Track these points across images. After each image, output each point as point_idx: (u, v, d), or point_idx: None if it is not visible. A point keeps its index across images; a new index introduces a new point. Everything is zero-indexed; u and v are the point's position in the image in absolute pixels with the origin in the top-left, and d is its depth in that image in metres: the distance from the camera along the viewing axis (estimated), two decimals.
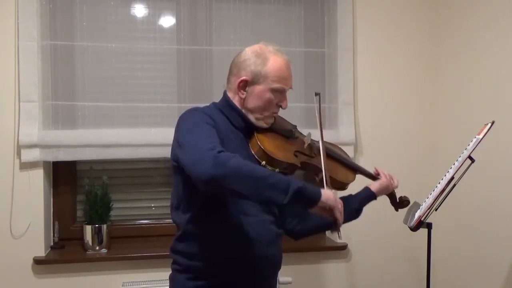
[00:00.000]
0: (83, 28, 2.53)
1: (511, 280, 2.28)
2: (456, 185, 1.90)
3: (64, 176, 2.63)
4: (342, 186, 1.84)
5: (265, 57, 1.65)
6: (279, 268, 1.77)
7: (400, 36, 2.79)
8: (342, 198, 1.84)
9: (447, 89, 2.75)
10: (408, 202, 1.97)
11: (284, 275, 2.52)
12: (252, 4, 2.67)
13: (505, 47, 2.32)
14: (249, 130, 1.69)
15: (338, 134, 2.69)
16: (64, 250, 2.56)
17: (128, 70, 2.58)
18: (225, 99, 1.71)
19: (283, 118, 1.82)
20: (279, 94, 1.67)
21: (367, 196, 1.86)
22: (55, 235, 2.56)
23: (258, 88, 1.65)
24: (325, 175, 1.62)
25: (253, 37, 2.51)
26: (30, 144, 2.41)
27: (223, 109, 1.70)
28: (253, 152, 1.65)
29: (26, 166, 2.43)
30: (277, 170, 1.64)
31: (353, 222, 2.71)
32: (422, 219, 1.91)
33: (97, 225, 2.53)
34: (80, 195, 2.66)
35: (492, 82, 2.41)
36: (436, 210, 1.92)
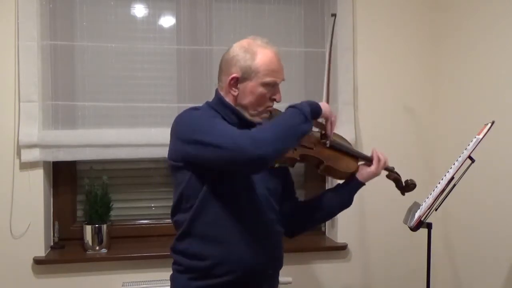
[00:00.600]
0: (83, 28, 2.53)
1: (511, 280, 2.28)
2: (456, 185, 1.90)
3: (64, 176, 2.63)
4: (345, 176, 1.84)
5: (253, 52, 1.64)
6: (281, 267, 1.77)
7: (400, 36, 2.79)
8: (332, 189, 1.86)
9: (447, 89, 2.75)
10: (414, 185, 1.93)
11: (284, 275, 2.50)
12: (252, 4, 2.67)
13: (505, 47, 2.32)
14: (243, 126, 1.65)
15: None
16: (64, 250, 2.56)
17: (128, 70, 2.58)
18: (218, 97, 1.70)
19: (279, 110, 1.81)
20: (272, 87, 1.65)
21: (355, 185, 1.84)
22: (55, 235, 2.57)
23: (249, 84, 1.63)
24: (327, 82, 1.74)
25: None
26: (30, 144, 2.41)
27: (216, 107, 1.68)
28: None
29: (26, 166, 2.43)
30: (276, 165, 1.65)
31: (353, 222, 2.73)
32: (422, 219, 1.90)
33: (97, 225, 2.53)
34: (80, 195, 2.66)
35: (492, 82, 2.41)
36: (436, 210, 1.92)
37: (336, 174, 1.84)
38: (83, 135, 2.48)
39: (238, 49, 1.67)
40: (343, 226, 2.72)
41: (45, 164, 2.49)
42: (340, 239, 2.75)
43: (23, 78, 2.40)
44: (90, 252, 2.53)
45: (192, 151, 1.53)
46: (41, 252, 2.45)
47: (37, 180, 2.46)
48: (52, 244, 2.56)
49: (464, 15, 2.62)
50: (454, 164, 1.93)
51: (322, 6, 2.74)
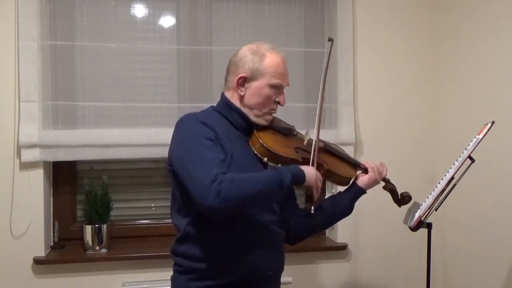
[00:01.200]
0: (83, 28, 2.53)
1: (511, 280, 2.28)
2: (456, 185, 1.90)
3: (64, 176, 2.63)
4: (346, 181, 1.85)
5: (262, 54, 1.67)
6: (282, 269, 1.77)
7: (400, 36, 2.79)
8: (333, 197, 1.86)
9: (447, 89, 2.75)
10: (410, 198, 1.95)
11: (284, 275, 2.50)
12: (252, 4, 2.67)
13: (505, 47, 2.32)
14: (249, 130, 1.70)
15: (338, 134, 2.69)
16: (64, 250, 2.56)
17: (128, 70, 2.58)
18: (224, 100, 1.72)
19: (280, 119, 1.82)
20: (277, 90, 1.68)
21: (356, 192, 1.84)
22: (55, 235, 2.57)
23: (256, 84, 1.66)
24: (314, 149, 1.70)
25: (253, 37, 2.50)
26: (30, 144, 2.41)
27: (221, 110, 1.70)
28: (254, 150, 1.66)
29: (26, 166, 2.44)
30: (279, 165, 1.65)
31: (353, 222, 2.73)
32: (422, 219, 1.91)
33: (97, 225, 2.53)
34: (80, 195, 2.67)
35: (492, 82, 2.41)
36: (436, 210, 1.92)
37: (336, 179, 1.84)
38: (83, 135, 2.48)
39: (247, 51, 1.70)
40: (343, 226, 2.72)
41: (45, 164, 2.50)
42: (340, 239, 2.76)
43: (23, 78, 2.40)
44: (90, 252, 2.53)
45: (176, 168, 1.59)
46: (41, 252, 2.45)
47: (37, 180, 2.46)
48: (52, 244, 2.56)
49: (464, 15, 2.62)
50: (454, 164, 1.92)
51: (322, 6, 2.74)
